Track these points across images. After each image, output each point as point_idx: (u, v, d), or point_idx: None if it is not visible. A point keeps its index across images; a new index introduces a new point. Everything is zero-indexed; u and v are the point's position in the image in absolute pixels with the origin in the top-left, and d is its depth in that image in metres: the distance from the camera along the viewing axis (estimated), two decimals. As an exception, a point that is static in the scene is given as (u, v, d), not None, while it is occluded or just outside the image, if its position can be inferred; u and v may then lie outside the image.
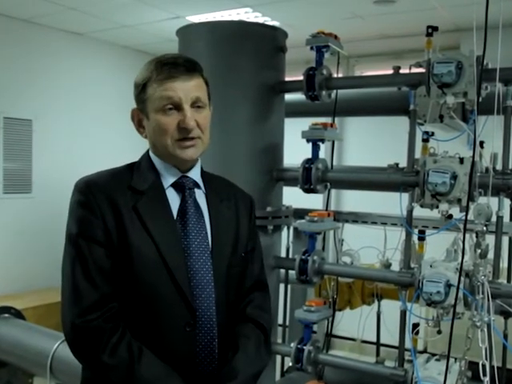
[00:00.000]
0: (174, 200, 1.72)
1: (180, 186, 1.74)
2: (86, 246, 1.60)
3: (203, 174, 1.83)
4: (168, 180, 1.73)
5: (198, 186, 1.79)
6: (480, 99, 2.64)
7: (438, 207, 2.76)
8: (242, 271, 1.83)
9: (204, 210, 1.77)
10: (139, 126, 1.76)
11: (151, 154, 1.77)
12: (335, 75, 3.26)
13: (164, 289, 1.63)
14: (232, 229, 1.81)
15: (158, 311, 1.63)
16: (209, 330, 1.67)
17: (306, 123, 3.20)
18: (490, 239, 2.74)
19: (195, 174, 1.79)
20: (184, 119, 1.64)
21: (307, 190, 3.19)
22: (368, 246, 3.63)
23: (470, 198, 2.61)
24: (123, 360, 1.54)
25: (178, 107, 1.65)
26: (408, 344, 2.91)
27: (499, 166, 2.82)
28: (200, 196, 1.78)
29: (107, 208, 1.62)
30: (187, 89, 1.66)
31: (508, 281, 3.25)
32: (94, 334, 1.56)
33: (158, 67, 1.67)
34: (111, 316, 1.59)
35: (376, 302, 4.20)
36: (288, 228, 3.88)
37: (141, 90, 1.70)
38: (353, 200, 5.77)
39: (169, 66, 1.66)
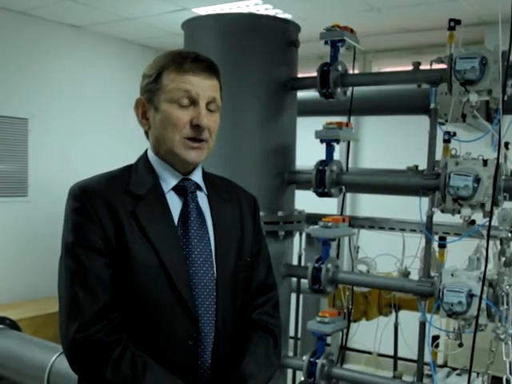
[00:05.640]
0: (175, 205, 1.73)
1: (182, 190, 1.75)
2: (84, 255, 1.59)
3: (204, 174, 1.85)
4: (169, 183, 1.74)
5: (200, 189, 1.80)
6: (505, 97, 2.65)
7: (459, 212, 2.77)
8: (248, 276, 1.85)
9: (206, 213, 1.78)
10: (142, 118, 1.76)
11: (150, 155, 1.78)
12: (351, 71, 3.28)
13: (165, 298, 1.64)
14: (237, 232, 1.83)
15: (158, 322, 1.65)
16: (212, 340, 1.69)
17: (319, 122, 3.21)
18: (515, 247, 2.76)
19: (197, 176, 1.80)
20: (198, 116, 1.66)
21: (321, 194, 3.20)
22: (385, 254, 3.64)
23: (494, 203, 2.63)
24: (127, 377, 1.55)
25: (193, 102, 1.67)
26: (427, 357, 2.92)
27: (525, 169, 2.84)
28: (202, 198, 1.80)
29: (105, 214, 1.62)
30: (205, 87, 1.69)
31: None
32: (96, 349, 1.56)
33: (178, 58, 1.69)
34: (113, 328, 1.59)
35: (393, 313, 4.21)
36: (300, 234, 3.89)
37: (154, 78, 1.70)
38: (369, 204, 5.79)
39: (190, 60, 1.69)
